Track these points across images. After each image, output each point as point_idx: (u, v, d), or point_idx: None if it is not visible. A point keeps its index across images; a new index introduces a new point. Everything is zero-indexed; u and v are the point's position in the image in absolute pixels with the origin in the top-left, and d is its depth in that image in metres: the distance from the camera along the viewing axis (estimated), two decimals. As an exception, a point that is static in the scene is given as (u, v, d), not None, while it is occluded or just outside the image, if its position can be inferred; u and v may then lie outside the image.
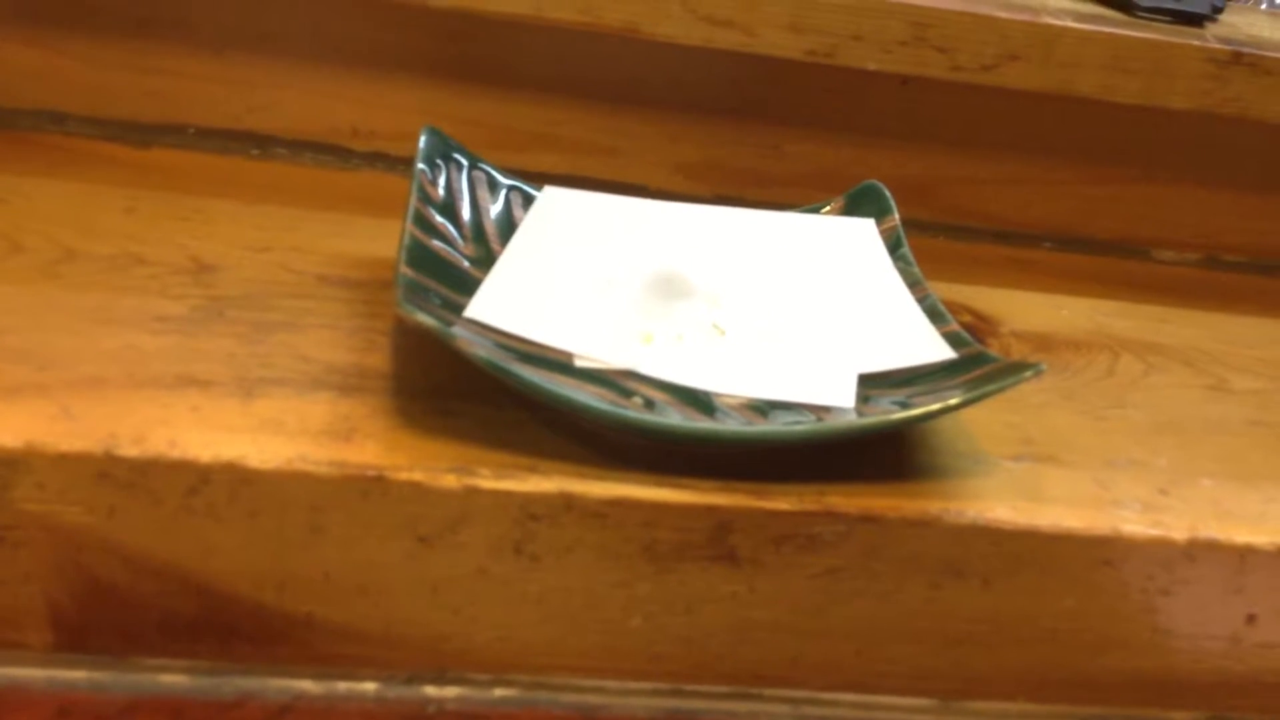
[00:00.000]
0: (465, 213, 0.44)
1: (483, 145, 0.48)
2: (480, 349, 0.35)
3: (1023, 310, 0.50)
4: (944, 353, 0.40)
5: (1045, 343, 0.48)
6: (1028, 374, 0.36)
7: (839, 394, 0.38)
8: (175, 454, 0.32)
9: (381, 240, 0.44)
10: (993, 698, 0.39)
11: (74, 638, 0.34)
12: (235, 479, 0.32)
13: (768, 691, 0.38)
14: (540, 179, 0.48)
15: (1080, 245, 0.57)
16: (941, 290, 0.46)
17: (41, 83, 0.50)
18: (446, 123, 0.49)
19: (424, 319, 0.33)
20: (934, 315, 0.42)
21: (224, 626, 0.34)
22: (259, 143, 0.51)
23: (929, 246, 0.53)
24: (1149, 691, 0.40)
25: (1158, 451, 0.41)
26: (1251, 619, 0.39)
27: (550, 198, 0.45)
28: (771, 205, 0.50)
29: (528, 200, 0.45)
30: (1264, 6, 0.83)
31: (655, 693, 0.38)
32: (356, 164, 0.52)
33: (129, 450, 0.32)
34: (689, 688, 0.38)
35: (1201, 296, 0.56)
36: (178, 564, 0.33)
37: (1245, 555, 0.38)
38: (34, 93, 0.50)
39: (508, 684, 0.37)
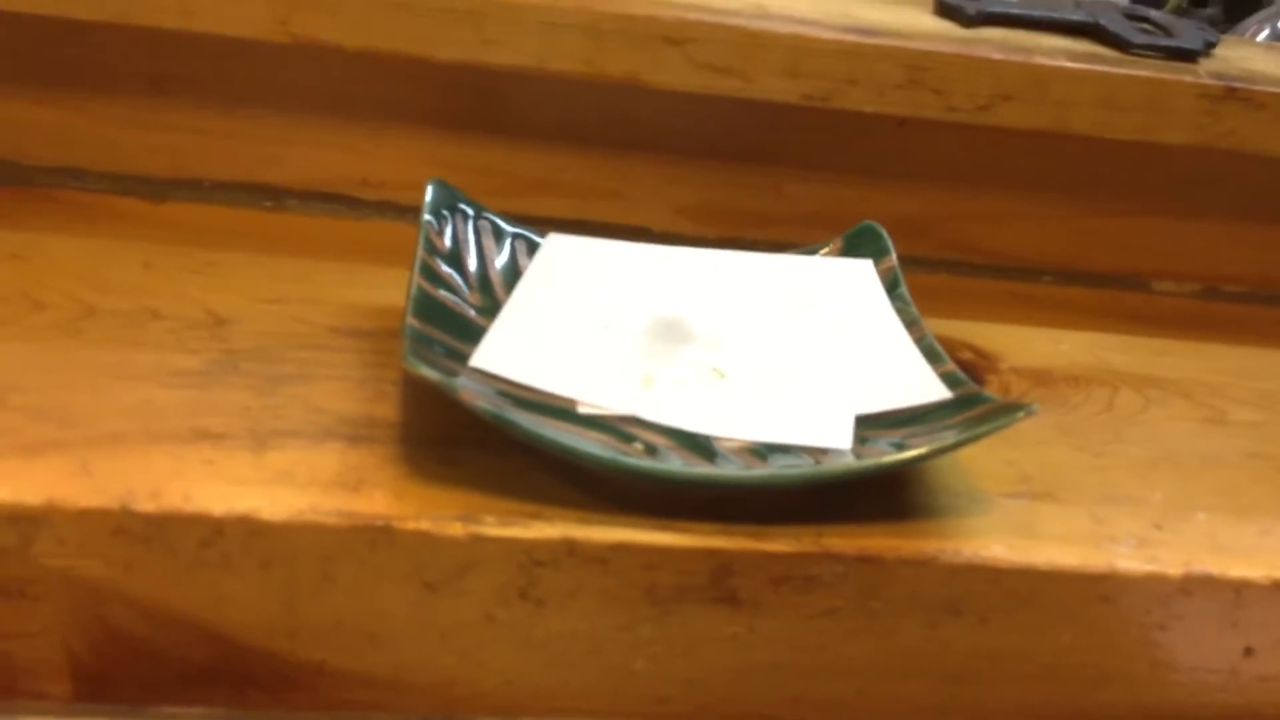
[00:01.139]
0: (471, 262, 0.45)
1: (489, 192, 0.50)
2: (483, 400, 0.36)
3: (1022, 345, 0.51)
4: (940, 393, 0.41)
5: (1044, 378, 0.48)
6: (1020, 415, 0.37)
7: (836, 436, 0.39)
8: (189, 508, 0.33)
9: (391, 289, 0.45)
10: (994, 733, 0.40)
11: (93, 688, 0.35)
12: (247, 531, 0.33)
13: (772, 730, 0.39)
14: (546, 224, 0.49)
15: (1080, 279, 0.58)
16: (942, 327, 0.47)
17: (60, 141, 0.51)
18: (453, 171, 0.50)
19: (428, 372, 0.35)
20: (931, 355, 0.43)
21: (239, 674, 0.35)
22: (272, 195, 0.53)
23: (929, 283, 0.54)
24: (1150, 725, 0.40)
25: (1154, 486, 0.42)
26: (1249, 652, 0.39)
27: (553, 245, 0.46)
28: (772, 245, 0.51)
29: (532, 248, 0.46)
30: (1262, 38, 0.84)
31: (661, 733, 0.38)
32: (366, 213, 0.54)
33: (145, 505, 0.33)
34: (694, 727, 0.38)
35: (1201, 328, 0.56)
36: (193, 614, 0.34)
37: (1240, 589, 0.38)
38: (53, 150, 0.51)
39: (516, 726, 0.38)
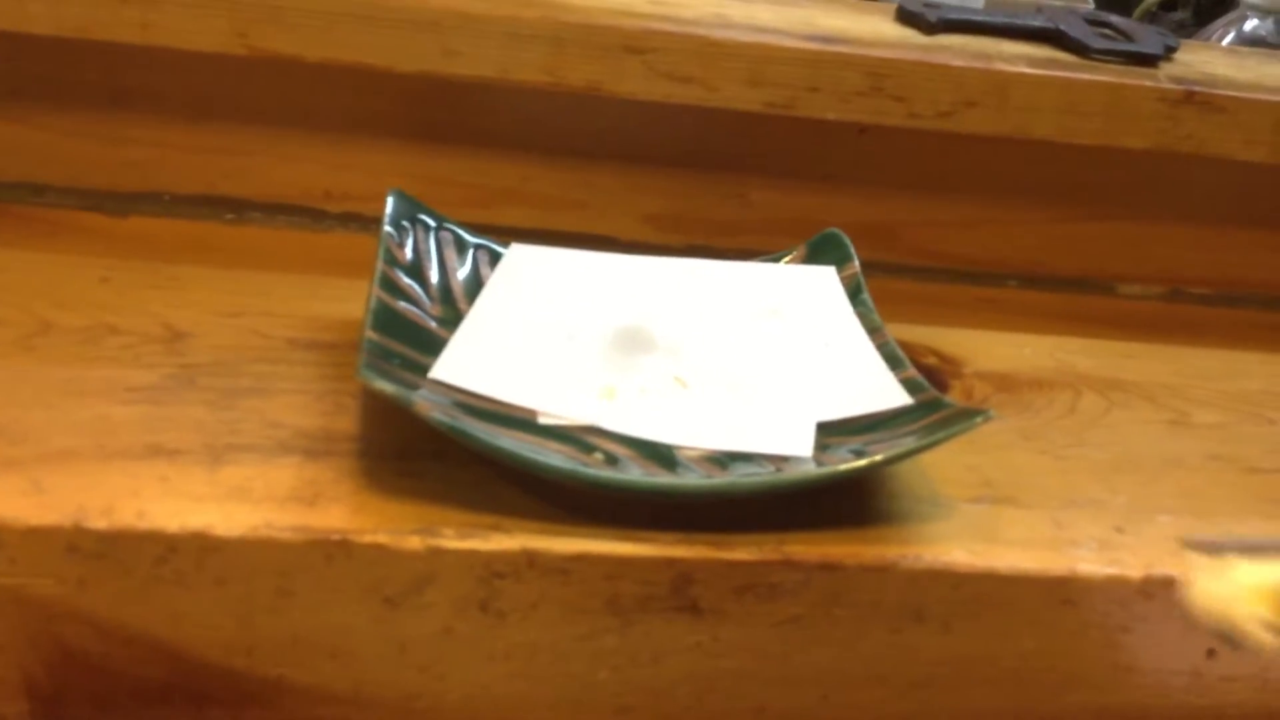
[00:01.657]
0: (433, 274, 0.45)
1: (454, 203, 0.49)
2: (439, 411, 0.36)
3: (986, 350, 0.51)
4: (901, 399, 0.41)
5: (1007, 382, 0.49)
6: (979, 420, 0.37)
7: (797, 444, 0.39)
8: (143, 525, 0.33)
9: (353, 301, 0.45)
10: (960, 739, 0.40)
11: (49, 707, 0.35)
12: (202, 547, 0.33)
13: (737, 739, 0.39)
14: (511, 233, 0.49)
15: (1043, 283, 0.58)
16: (905, 332, 0.47)
17: (20, 155, 0.51)
18: (417, 182, 0.50)
19: (383, 385, 0.34)
20: (893, 361, 0.43)
21: (196, 692, 0.35)
22: (233, 207, 0.53)
23: (893, 289, 0.54)
24: (1115, 728, 0.40)
25: (1116, 490, 0.42)
26: (1212, 653, 0.39)
27: (516, 256, 0.46)
28: (737, 252, 0.51)
29: (495, 259, 0.46)
30: (1227, 41, 0.84)
31: (625, 744, 0.38)
32: (330, 225, 0.53)
33: (97, 522, 0.33)
34: (659, 738, 0.38)
35: (1165, 330, 0.56)
36: (148, 632, 0.34)
37: (1202, 591, 0.38)
38: (12, 166, 0.51)
39: (478, 739, 0.37)
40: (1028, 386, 0.49)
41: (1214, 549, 0.25)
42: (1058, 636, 0.38)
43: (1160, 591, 0.38)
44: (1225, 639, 0.26)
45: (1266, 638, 0.25)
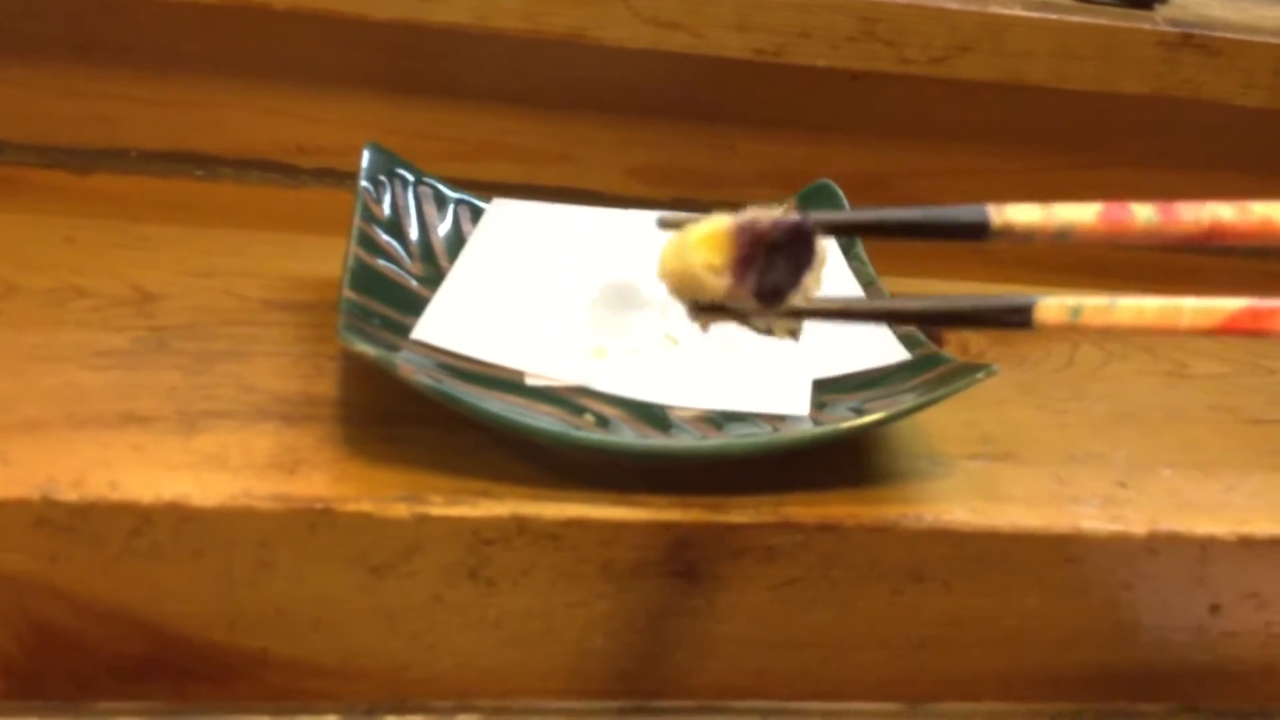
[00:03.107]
0: (412, 230, 0.43)
1: (433, 157, 0.48)
2: (424, 375, 0.34)
3: (982, 303, 0.50)
4: (899, 354, 0.40)
5: (1003, 336, 0.48)
6: (980, 375, 0.36)
7: (793, 403, 0.38)
8: (115, 496, 0.31)
9: (330, 260, 0.43)
10: (961, 699, 0.39)
11: (25, 685, 0.34)
12: (177, 518, 0.32)
13: (735, 704, 0.38)
14: (493, 189, 0.47)
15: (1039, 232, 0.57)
16: (900, 285, 0.45)
17: (-23, 112, 0.49)
18: (395, 136, 0.48)
19: (365, 348, 0.33)
20: (889, 315, 0.42)
21: (176, 667, 0.34)
22: (203, 164, 0.51)
23: (886, 241, 0.52)
24: (1117, 685, 0.40)
25: (1117, 443, 0.41)
26: (1215, 609, 0.39)
27: (498, 211, 0.45)
28: (726, 205, 0.49)
29: (476, 214, 0.45)
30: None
31: (621, 711, 0.37)
32: (304, 181, 0.51)
33: (67, 494, 0.31)
34: (655, 704, 0.37)
35: (1162, 279, 0.55)
36: (125, 606, 0.33)
37: (1206, 546, 0.38)
38: (-31, 122, 0.49)
39: (470, 709, 0.36)
40: (1023, 339, 0.48)
41: (677, 222, 0.27)
42: (1060, 594, 0.38)
43: (1165, 548, 0.37)
44: (686, 300, 0.28)
45: (713, 279, 0.27)
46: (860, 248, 0.44)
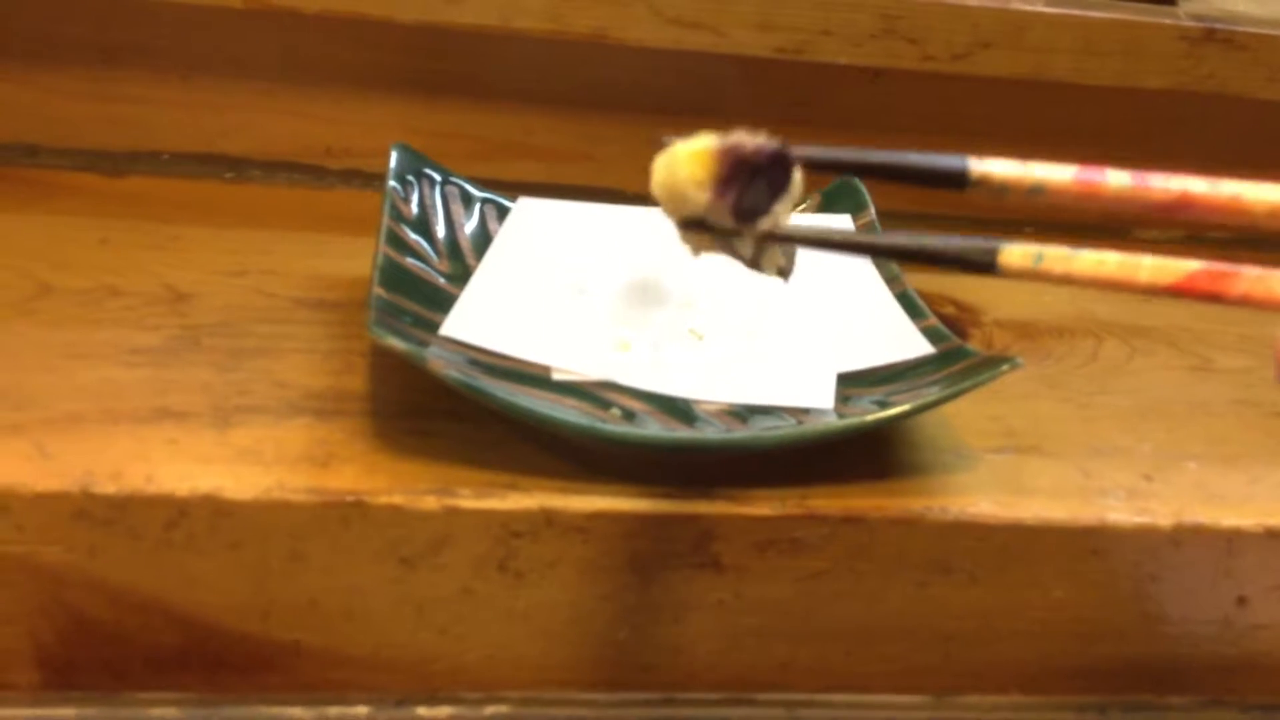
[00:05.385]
0: (439, 229, 0.43)
1: (458, 157, 0.48)
2: (454, 369, 0.35)
3: (1005, 298, 0.50)
4: (923, 348, 0.40)
5: (1028, 331, 0.48)
6: (1005, 368, 0.36)
7: (818, 396, 0.38)
8: (152, 489, 0.32)
9: (358, 259, 0.44)
10: (986, 692, 0.39)
11: (61, 676, 0.34)
12: (213, 511, 0.32)
13: (760, 696, 0.38)
14: (517, 188, 0.48)
15: (1061, 228, 0.57)
16: (923, 281, 0.46)
17: (11, 116, 0.49)
18: (420, 136, 0.49)
19: (395, 342, 0.33)
20: (912, 310, 0.42)
21: (211, 657, 0.34)
22: (233, 165, 0.51)
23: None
24: (1143, 679, 0.40)
25: (1142, 437, 0.41)
26: (1242, 601, 0.39)
27: (524, 209, 0.45)
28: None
29: (502, 213, 0.45)
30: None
31: (647, 703, 0.38)
32: (332, 182, 0.52)
33: (106, 487, 0.32)
34: (681, 696, 0.38)
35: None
36: (161, 598, 0.33)
37: (1232, 538, 0.38)
38: (4, 126, 0.50)
39: (499, 701, 0.37)
40: (1048, 334, 0.48)
41: (669, 142, 0.28)
42: (1086, 587, 0.38)
43: (1191, 540, 0.37)
44: (673, 214, 0.29)
45: (695, 192, 0.28)
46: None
